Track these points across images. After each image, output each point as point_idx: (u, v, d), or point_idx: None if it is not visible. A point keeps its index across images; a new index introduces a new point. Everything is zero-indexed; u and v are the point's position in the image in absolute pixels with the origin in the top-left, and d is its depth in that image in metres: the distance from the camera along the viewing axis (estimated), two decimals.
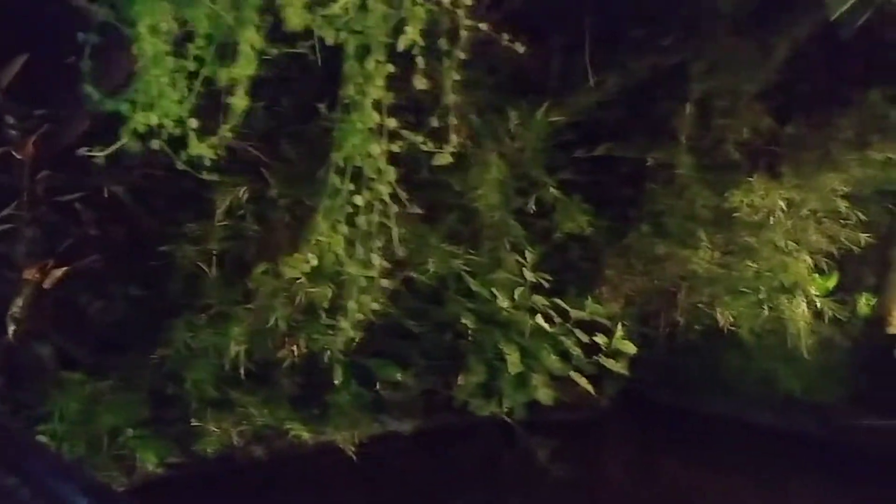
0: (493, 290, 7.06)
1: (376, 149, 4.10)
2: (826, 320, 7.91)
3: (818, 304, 7.89)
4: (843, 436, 7.08)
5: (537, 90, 7.76)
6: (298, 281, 5.83)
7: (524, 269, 7.14)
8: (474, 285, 6.85)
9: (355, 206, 4.23)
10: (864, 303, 8.26)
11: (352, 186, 4.21)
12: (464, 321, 7.04)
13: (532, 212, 7.63)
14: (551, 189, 7.55)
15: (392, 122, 4.09)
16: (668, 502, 6.49)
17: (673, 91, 8.01)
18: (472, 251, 7.15)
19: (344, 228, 4.28)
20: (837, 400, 7.49)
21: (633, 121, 8.09)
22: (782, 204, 7.91)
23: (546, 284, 7.33)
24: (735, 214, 7.89)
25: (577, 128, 7.83)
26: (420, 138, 4.07)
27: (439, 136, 4.11)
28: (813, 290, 7.92)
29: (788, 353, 7.75)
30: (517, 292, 7.12)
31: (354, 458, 6.18)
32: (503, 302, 7.12)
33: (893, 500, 6.31)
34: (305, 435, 6.19)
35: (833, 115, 8.02)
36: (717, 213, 7.94)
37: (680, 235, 7.90)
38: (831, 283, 8.09)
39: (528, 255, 7.26)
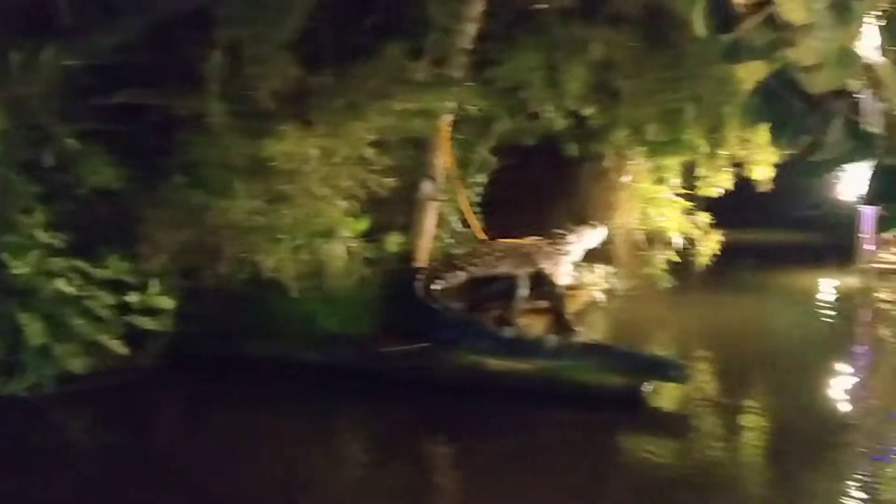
0: (4, 255, 6.30)
1: None
2: (360, 260, 8.52)
3: (353, 246, 8.45)
4: (376, 363, 7.67)
5: (46, 30, 7.01)
6: None
7: (36, 229, 6.47)
8: None
9: None
10: (394, 242, 9.00)
11: None
12: None
13: (49, 166, 6.94)
14: (69, 140, 6.92)
15: None
16: (222, 451, 6.43)
17: (200, 36, 7.81)
18: None
19: None
20: (372, 331, 8.10)
21: (160, 66, 7.75)
22: (315, 152, 8.25)
23: (69, 244, 6.75)
24: (271, 163, 8.03)
25: (96, 73, 7.26)
26: None
27: None
28: (347, 233, 8.45)
29: (328, 294, 8.20)
30: (32, 256, 6.44)
31: None
32: (18, 268, 6.40)
33: (405, 409, 7.05)
34: None
35: (357, 66, 8.49)
36: (252, 161, 7.99)
37: (216, 185, 7.82)
38: (363, 225, 8.66)
39: (39, 213, 6.58)
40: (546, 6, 9.25)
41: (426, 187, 9.09)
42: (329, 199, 8.34)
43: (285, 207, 8.11)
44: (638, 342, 8.96)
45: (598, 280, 10.47)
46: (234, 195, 7.83)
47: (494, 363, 7.45)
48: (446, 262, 8.82)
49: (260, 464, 6.11)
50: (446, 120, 9.01)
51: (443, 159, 9.19)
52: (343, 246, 8.40)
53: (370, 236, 8.76)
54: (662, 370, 7.18)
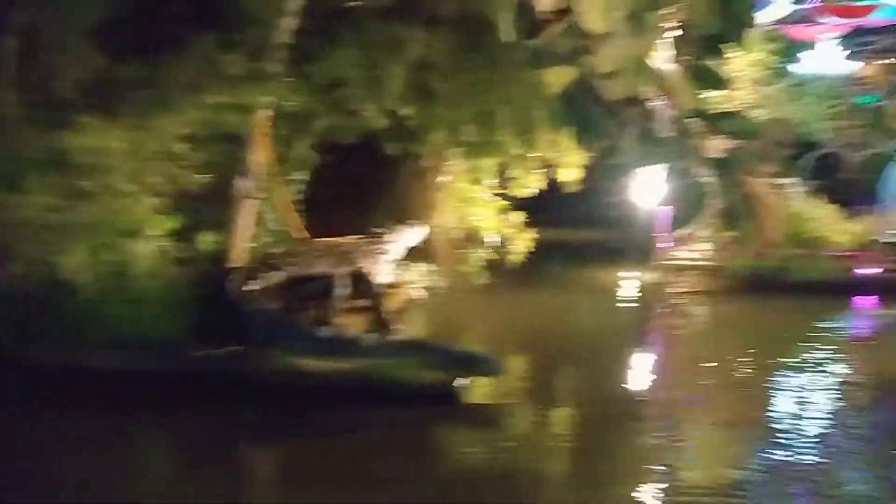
0: None
1: None
2: (170, 260, 8.13)
3: (162, 245, 8.06)
4: (188, 367, 7.36)
5: None
6: None
7: None
8: None
9: None
10: (207, 240, 8.65)
11: None
12: None
13: None
14: None
15: None
16: (10, 467, 5.91)
17: None
18: None
19: None
20: (183, 335, 7.75)
21: None
22: (120, 146, 7.79)
23: None
24: (70, 157, 7.50)
25: None
26: None
27: None
28: (156, 232, 8.05)
29: (134, 296, 7.77)
30: None
31: None
32: None
33: (219, 415, 6.82)
34: None
35: (168, 58, 8.09)
36: (49, 154, 7.44)
37: (8, 180, 7.21)
38: (173, 223, 8.27)
39: None
40: (363, 4, 9.25)
41: (242, 184, 8.82)
42: (135, 195, 7.92)
43: (86, 204, 7.62)
44: (454, 339, 9.18)
45: (417, 278, 10.61)
46: (28, 190, 7.25)
47: (312, 364, 7.36)
48: (263, 262, 8.60)
49: (55, 480, 5.69)
50: (264, 115, 8.79)
51: (260, 156, 8.96)
52: (151, 245, 8.01)
53: (181, 235, 8.38)
54: (477, 365, 7.38)
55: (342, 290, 8.47)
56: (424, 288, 10.77)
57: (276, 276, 8.40)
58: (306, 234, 9.44)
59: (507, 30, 3.41)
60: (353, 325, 8.57)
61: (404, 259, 10.15)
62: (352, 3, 9.31)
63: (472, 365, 7.38)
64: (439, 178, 11.42)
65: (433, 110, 9.56)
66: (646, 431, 6.88)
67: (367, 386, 7.14)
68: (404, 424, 6.79)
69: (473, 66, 9.28)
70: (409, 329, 9.40)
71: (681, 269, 13.25)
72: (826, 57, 18.26)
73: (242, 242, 8.85)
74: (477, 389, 7.44)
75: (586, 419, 7.14)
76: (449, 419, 6.94)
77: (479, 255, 11.06)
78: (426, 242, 10.70)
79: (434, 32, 9.17)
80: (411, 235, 9.85)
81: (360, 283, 8.71)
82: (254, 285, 8.11)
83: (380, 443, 6.51)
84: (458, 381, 7.23)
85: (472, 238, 11.19)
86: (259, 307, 7.81)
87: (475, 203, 11.17)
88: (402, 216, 10.59)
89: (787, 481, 5.75)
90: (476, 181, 10.98)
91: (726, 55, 3.56)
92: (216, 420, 6.81)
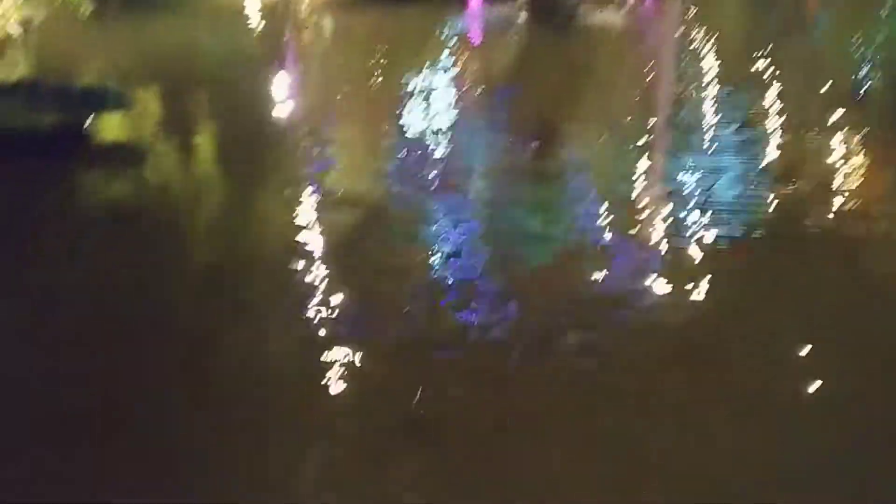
0: None
1: None
2: None
3: None
4: None
5: None
6: None
7: None
8: None
9: None
10: None
11: None
12: None
13: None
14: None
15: None
16: None
17: None
18: None
19: None
20: None
21: None
22: None
23: None
24: None
25: None
26: None
27: None
28: None
29: None
30: None
31: None
32: None
33: None
34: None
35: None
36: None
37: None
38: None
39: None
40: None
41: None
42: None
43: None
44: (69, 75, 8.25)
45: (9, 11, 9.06)
46: None
47: None
48: None
49: None
50: None
51: None
52: None
53: None
54: (102, 100, 6.71)
55: None
56: (20, 22, 9.31)
57: None
58: None
59: None
60: None
61: None
62: None
63: (96, 101, 6.68)
64: None
65: None
66: (292, 147, 6.96)
67: None
68: (27, 174, 6.09)
69: None
70: (12, 70, 8.23)
71: None
72: None
73: None
74: (107, 126, 6.84)
75: (230, 143, 6.97)
76: (78, 162, 6.34)
77: None
78: None
79: None
80: None
81: None
82: None
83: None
84: (85, 120, 6.56)
85: None
86: None
87: None
88: None
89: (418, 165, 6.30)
90: None
91: None
92: None
